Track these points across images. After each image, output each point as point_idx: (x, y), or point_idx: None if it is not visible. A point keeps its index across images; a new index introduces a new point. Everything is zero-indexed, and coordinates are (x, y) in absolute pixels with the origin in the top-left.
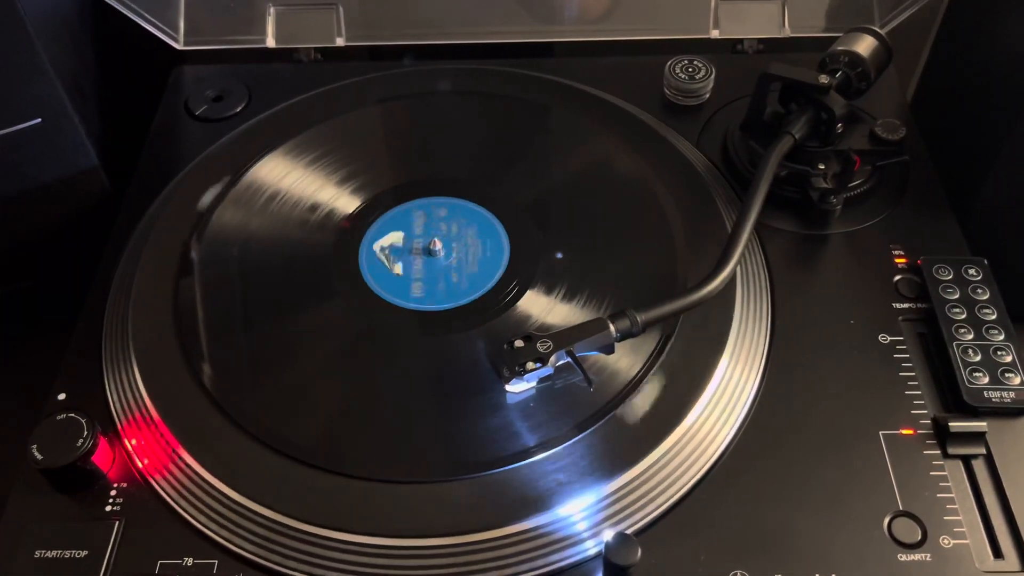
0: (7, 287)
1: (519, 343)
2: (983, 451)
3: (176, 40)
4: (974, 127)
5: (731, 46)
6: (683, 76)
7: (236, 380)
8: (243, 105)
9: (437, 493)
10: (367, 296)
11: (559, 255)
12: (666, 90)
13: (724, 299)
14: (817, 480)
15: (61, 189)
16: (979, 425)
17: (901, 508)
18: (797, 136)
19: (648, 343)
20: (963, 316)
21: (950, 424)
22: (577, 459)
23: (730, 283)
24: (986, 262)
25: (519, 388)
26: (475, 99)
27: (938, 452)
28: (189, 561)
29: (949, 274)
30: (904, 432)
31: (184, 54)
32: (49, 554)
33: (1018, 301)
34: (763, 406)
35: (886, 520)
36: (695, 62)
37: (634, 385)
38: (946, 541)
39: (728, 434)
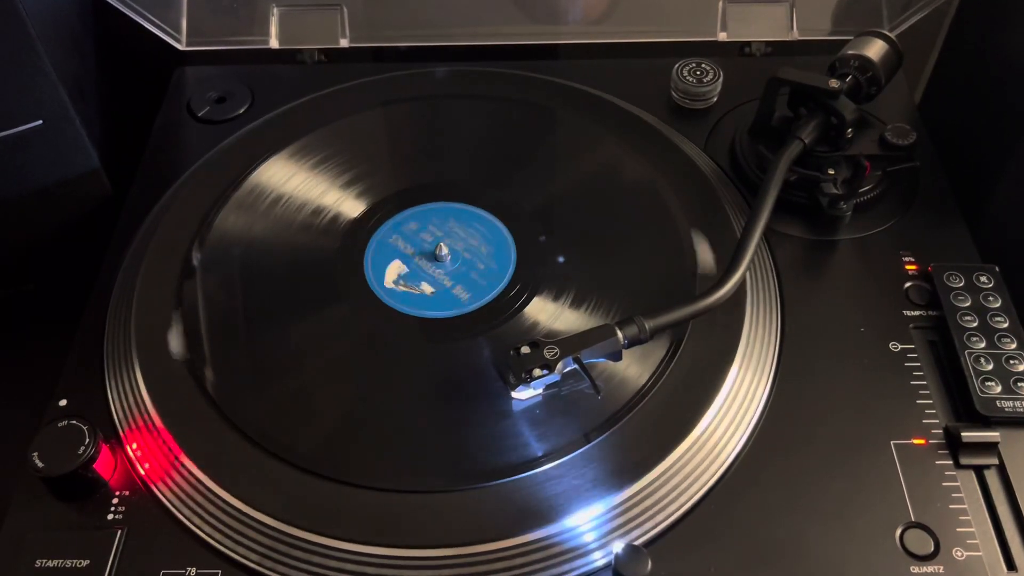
0: (7, 290)
1: (525, 349)
2: (996, 461)
3: (178, 41)
4: (984, 132)
5: (739, 49)
6: (690, 79)
7: (240, 386)
8: (246, 107)
9: (444, 503)
10: (372, 302)
11: (566, 260)
12: (673, 93)
13: (734, 306)
14: (827, 490)
15: (62, 191)
16: (991, 435)
17: (913, 519)
18: (807, 141)
19: (657, 350)
20: (975, 324)
21: (962, 434)
22: (586, 469)
23: (739, 289)
24: (998, 269)
25: (525, 395)
26: (481, 102)
27: (950, 462)
28: (192, 571)
29: (960, 281)
30: (916, 442)
31: (186, 55)
32: (50, 563)
33: None
34: (773, 415)
35: (898, 531)
36: (703, 65)
37: (643, 393)
38: (959, 553)
39: (738, 443)
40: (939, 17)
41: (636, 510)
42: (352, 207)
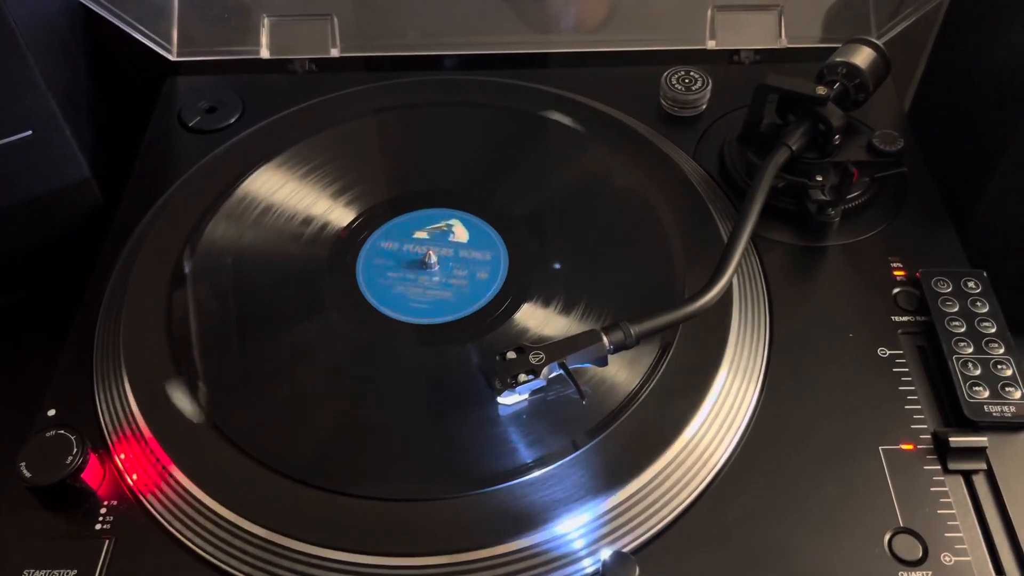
0: None
1: (511, 355)
2: (984, 466)
3: (169, 51)
4: (972, 138)
5: (728, 56)
6: (679, 87)
7: (229, 396)
8: (237, 116)
9: (432, 511)
10: (363, 310)
11: (556, 267)
12: (662, 101)
13: (722, 311)
14: (816, 496)
15: (53, 201)
16: (979, 440)
17: (902, 525)
18: (794, 147)
19: (646, 356)
20: (963, 329)
21: (950, 439)
22: (573, 475)
23: (728, 295)
24: (985, 274)
25: (511, 400)
26: (471, 110)
27: (938, 467)
28: None
29: (948, 287)
30: (904, 447)
31: (177, 65)
32: (38, 573)
33: (1018, 314)
34: (761, 420)
35: (887, 537)
36: (691, 73)
37: (631, 399)
38: (947, 558)
39: (726, 449)
40: (927, 25)
41: (624, 517)
42: (343, 215)
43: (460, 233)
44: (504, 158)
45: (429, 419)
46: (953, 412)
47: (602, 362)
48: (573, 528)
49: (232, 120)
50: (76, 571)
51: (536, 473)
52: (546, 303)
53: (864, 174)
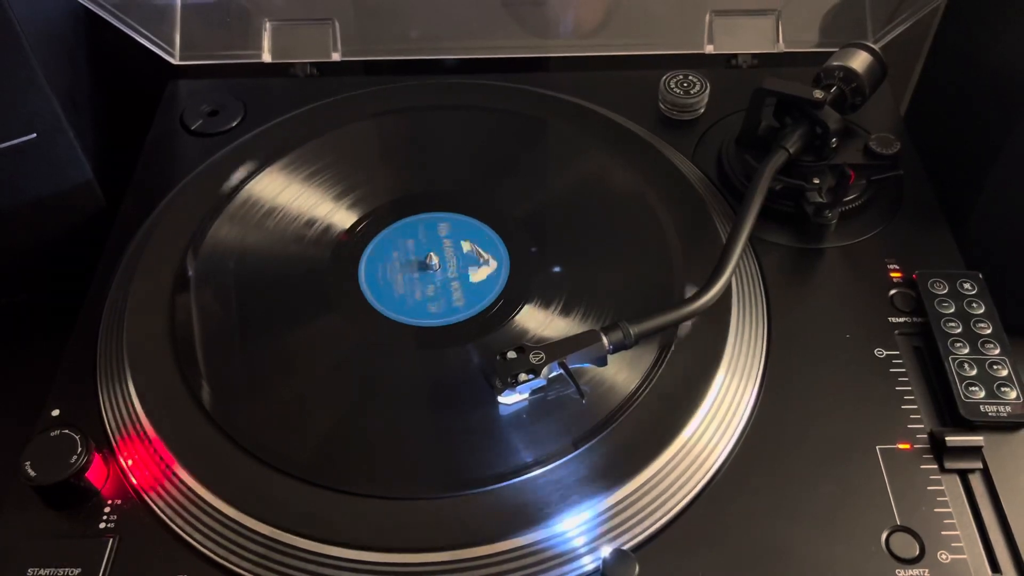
0: (0, 300)
1: (512, 354)
2: (980, 465)
3: (172, 55)
4: (968, 141)
5: (726, 61)
6: (678, 91)
7: (232, 396)
8: (238, 120)
9: (434, 509)
10: (365, 311)
11: (556, 269)
12: (661, 104)
13: (720, 313)
14: (814, 495)
15: (56, 203)
16: (976, 439)
17: (899, 523)
18: (791, 150)
19: (645, 357)
20: (959, 330)
21: (947, 438)
22: (574, 474)
23: (726, 297)
24: (981, 276)
25: (511, 399)
26: (471, 113)
27: (935, 467)
28: None
29: (944, 288)
30: (901, 447)
31: (179, 68)
32: (42, 572)
33: (1014, 315)
34: (759, 420)
35: (884, 535)
36: (690, 77)
37: (631, 399)
38: (944, 556)
39: (725, 449)
40: (923, 29)
41: (624, 515)
42: (345, 218)
43: (463, 242)
44: (505, 161)
45: (431, 418)
46: (949, 412)
47: (602, 362)
48: (574, 526)
49: (234, 123)
50: (80, 570)
51: (536, 471)
52: (546, 304)
53: (861, 177)
